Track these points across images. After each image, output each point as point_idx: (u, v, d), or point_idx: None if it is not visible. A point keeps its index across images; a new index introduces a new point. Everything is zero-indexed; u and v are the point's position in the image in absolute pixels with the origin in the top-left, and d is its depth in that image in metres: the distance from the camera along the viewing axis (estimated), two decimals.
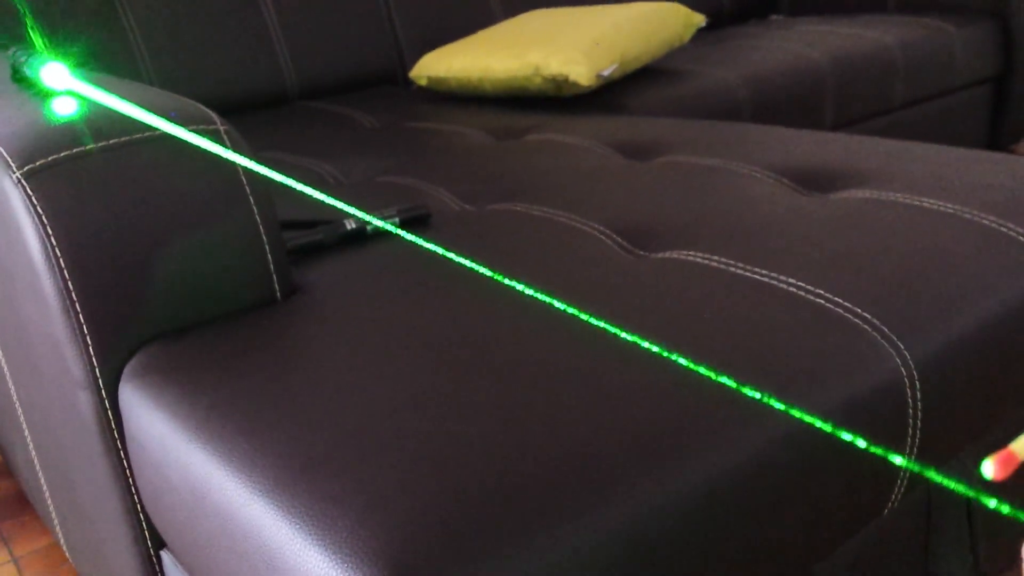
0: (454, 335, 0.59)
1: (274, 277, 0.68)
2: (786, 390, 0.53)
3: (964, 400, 0.64)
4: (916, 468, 0.56)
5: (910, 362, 0.59)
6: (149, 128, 0.64)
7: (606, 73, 1.40)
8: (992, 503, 0.67)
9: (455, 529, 0.42)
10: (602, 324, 0.46)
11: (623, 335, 0.49)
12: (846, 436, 0.54)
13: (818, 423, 0.51)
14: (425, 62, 1.58)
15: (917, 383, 0.59)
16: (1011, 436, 0.78)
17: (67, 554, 0.93)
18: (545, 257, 0.72)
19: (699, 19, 1.61)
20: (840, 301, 0.61)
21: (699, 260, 0.69)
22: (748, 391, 0.50)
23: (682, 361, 0.52)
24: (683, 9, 1.58)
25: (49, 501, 0.89)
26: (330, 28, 1.72)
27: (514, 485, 0.45)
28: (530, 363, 0.55)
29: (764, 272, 0.66)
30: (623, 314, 0.61)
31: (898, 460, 0.56)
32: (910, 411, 0.59)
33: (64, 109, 0.65)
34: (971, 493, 0.65)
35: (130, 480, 0.64)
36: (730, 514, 0.49)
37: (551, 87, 1.41)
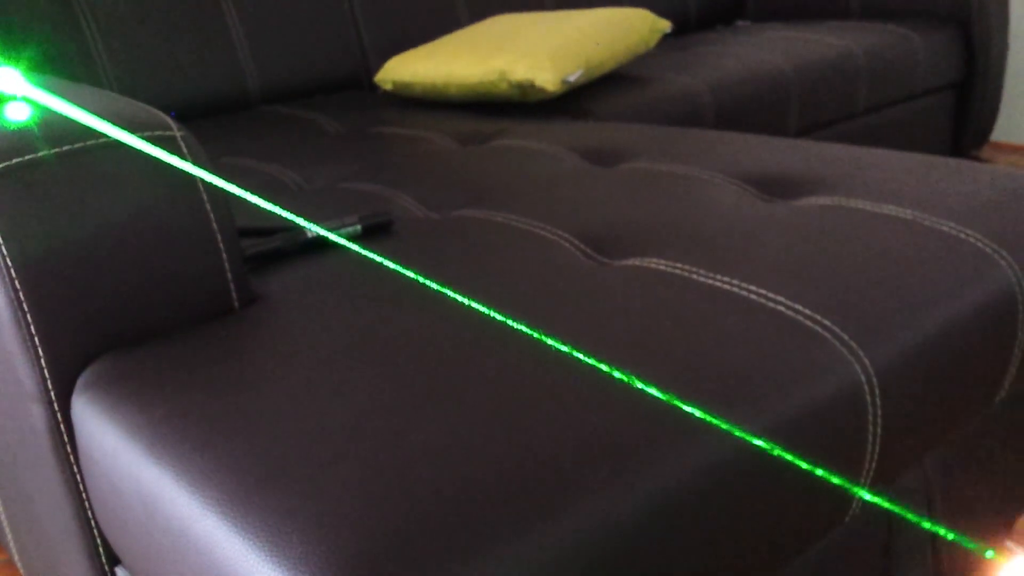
0: (412, 346, 0.59)
1: (231, 286, 0.67)
2: (745, 399, 0.53)
3: (923, 406, 0.64)
4: (869, 495, 0.56)
5: (870, 369, 0.59)
6: (104, 134, 0.63)
7: (572, 79, 1.40)
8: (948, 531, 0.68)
9: (410, 543, 0.42)
10: (557, 339, 0.46)
11: (577, 354, 0.49)
12: (803, 451, 0.54)
13: (770, 447, 0.51)
14: (390, 66, 1.57)
15: (877, 390, 0.59)
16: (970, 444, 0.79)
17: (21, 571, 0.92)
18: (507, 265, 0.72)
19: (665, 25, 1.61)
20: (800, 308, 0.62)
21: (662, 268, 0.69)
22: (698, 412, 0.50)
23: (637, 382, 0.52)
24: (649, 15, 1.59)
25: (3, 517, 0.87)
26: (293, 32, 1.71)
27: (469, 498, 0.44)
28: (487, 375, 0.55)
29: (726, 279, 0.66)
30: (583, 324, 0.60)
31: (863, 460, 0.56)
32: (870, 418, 0.59)
33: (16, 115, 0.64)
34: (924, 521, 0.66)
35: (83, 495, 0.63)
36: (686, 525, 0.49)
37: (517, 92, 1.41)
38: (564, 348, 0.46)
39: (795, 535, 0.57)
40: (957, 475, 0.77)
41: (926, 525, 0.60)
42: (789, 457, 0.45)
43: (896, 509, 0.59)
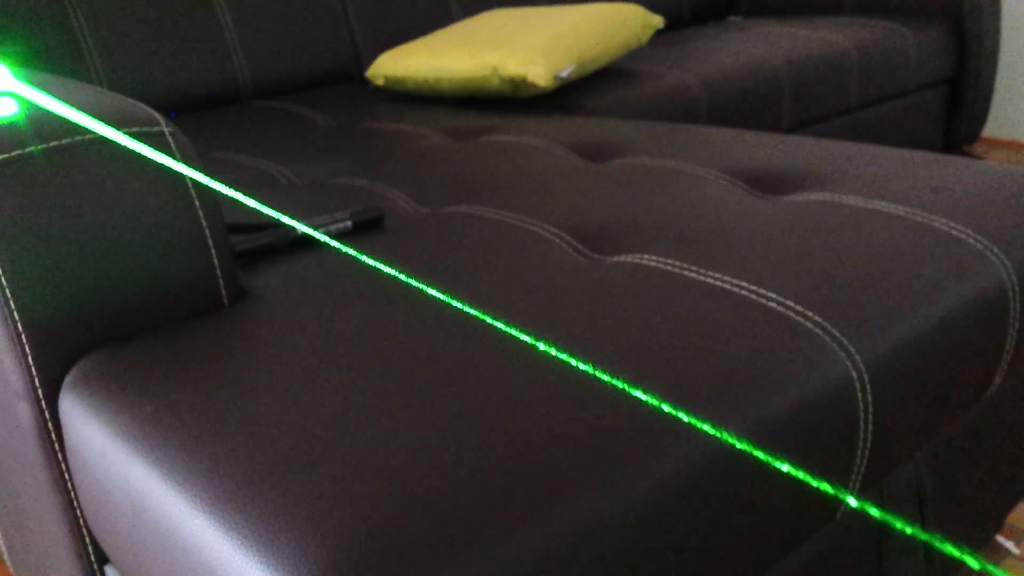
0: (402, 343, 0.59)
1: (221, 283, 0.67)
2: (736, 396, 0.53)
3: (915, 402, 0.64)
4: (855, 500, 0.56)
5: (860, 365, 0.59)
6: (92, 131, 0.63)
7: (564, 74, 1.40)
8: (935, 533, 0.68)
9: (400, 542, 0.41)
10: (546, 339, 0.46)
11: (565, 357, 0.49)
12: (795, 447, 0.54)
13: (753, 449, 0.51)
14: (382, 61, 1.57)
15: (868, 385, 0.59)
16: (961, 439, 0.79)
17: (11, 569, 0.91)
18: (499, 261, 0.72)
19: (657, 20, 1.61)
20: (792, 304, 0.61)
21: (654, 264, 0.69)
22: (685, 416, 0.50)
23: (621, 384, 0.52)
24: (641, 10, 1.58)
25: None
26: (285, 26, 1.70)
27: (459, 497, 0.44)
28: (476, 373, 0.54)
29: (718, 276, 0.66)
30: (574, 321, 0.60)
31: (855, 452, 0.56)
32: (861, 414, 0.59)
33: (3, 110, 0.64)
34: (915, 531, 0.66)
35: (71, 494, 0.63)
36: (676, 523, 0.49)
37: (509, 88, 1.40)
38: (549, 350, 0.46)
39: (786, 531, 0.57)
40: (948, 470, 0.78)
41: (912, 531, 0.60)
42: (775, 462, 0.45)
43: (883, 516, 0.58)
